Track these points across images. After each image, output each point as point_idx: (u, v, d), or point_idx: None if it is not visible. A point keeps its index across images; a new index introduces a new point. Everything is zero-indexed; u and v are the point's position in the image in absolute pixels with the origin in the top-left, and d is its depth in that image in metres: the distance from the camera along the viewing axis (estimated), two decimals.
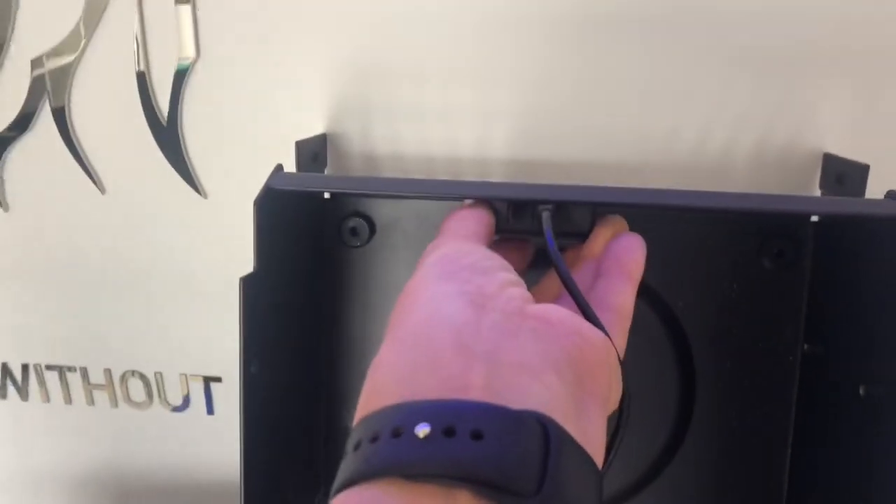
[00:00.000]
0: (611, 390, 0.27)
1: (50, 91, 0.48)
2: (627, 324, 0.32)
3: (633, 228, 0.37)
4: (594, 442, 0.24)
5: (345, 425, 0.47)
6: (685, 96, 0.44)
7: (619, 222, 0.35)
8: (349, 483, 0.22)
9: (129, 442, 0.56)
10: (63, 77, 0.48)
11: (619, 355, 0.29)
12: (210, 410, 0.54)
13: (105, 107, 0.48)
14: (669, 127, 0.44)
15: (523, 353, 0.24)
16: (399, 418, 0.22)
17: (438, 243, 0.31)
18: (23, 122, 0.49)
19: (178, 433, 0.55)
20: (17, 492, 0.59)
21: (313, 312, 0.46)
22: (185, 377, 0.54)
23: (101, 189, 0.50)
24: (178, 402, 0.54)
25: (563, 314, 0.26)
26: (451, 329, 0.25)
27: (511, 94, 0.45)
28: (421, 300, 0.27)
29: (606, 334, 0.28)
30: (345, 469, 0.22)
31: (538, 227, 0.35)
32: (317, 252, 0.45)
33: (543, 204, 0.34)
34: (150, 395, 0.55)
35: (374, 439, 0.22)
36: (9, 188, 0.51)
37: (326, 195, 0.45)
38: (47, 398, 0.56)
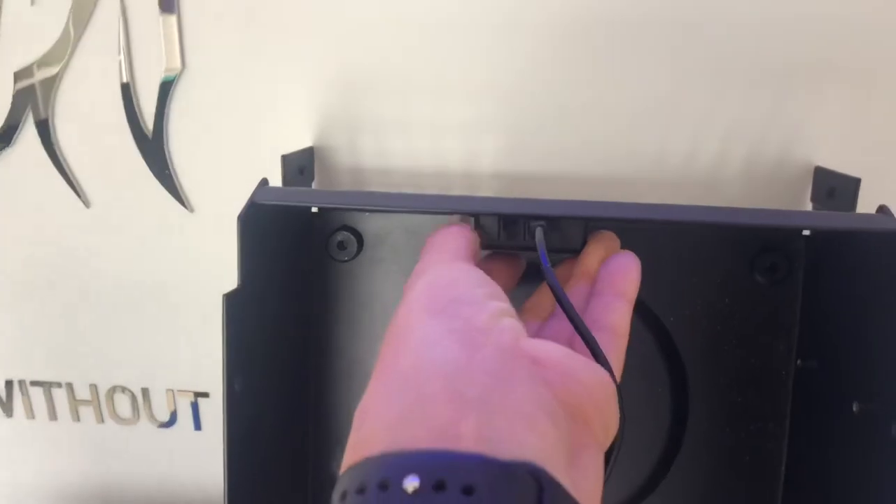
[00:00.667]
0: (607, 429, 0.26)
1: (33, 104, 0.47)
2: (624, 343, 0.31)
3: (625, 243, 0.37)
4: (589, 488, 0.24)
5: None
6: (675, 110, 0.43)
7: (611, 238, 0.35)
8: None
9: (115, 458, 0.55)
10: (47, 90, 0.47)
11: (616, 384, 0.28)
12: (197, 426, 0.54)
13: (89, 119, 0.48)
14: (660, 141, 0.44)
15: (517, 400, 0.23)
16: (387, 470, 0.21)
17: (424, 266, 0.31)
18: (6, 136, 0.48)
19: (165, 449, 0.54)
20: None
21: (300, 328, 0.45)
22: (173, 393, 0.53)
23: (86, 202, 0.49)
24: (165, 417, 0.54)
25: (557, 354, 0.26)
26: (441, 375, 0.24)
27: (499, 108, 0.44)
28: (409, 341, 0.26)
29: (601, 354, 0.28)
30: None
31: (529, 243, 0.34)
32: (304, 267, 0.45)
33: (535, 219, 0.34)
34: (136, 410, 0.54)
35: (361, 491, 0.21)
36: None
37: (314, 209, 0.45)
38: (32, 414, 0.55)
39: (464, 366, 0.24)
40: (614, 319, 0.31)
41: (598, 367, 0.27)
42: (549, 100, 0.44)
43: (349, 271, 0.45)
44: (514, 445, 0.22)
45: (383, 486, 0.21)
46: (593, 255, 0.34)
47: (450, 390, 0.23)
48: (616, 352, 0.30)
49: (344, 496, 0.22)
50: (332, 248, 0.45)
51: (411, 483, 0.20)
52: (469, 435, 0.22)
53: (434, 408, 0.23)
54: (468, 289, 0.28)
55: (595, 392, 0.25)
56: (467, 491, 0.20)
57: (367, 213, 0.44)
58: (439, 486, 0.20)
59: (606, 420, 0.26)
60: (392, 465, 0.21)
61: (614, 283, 0.32)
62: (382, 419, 0.23)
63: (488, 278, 0.29)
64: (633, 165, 0.45)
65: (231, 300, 0.33)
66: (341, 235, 0.45)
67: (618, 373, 0.30)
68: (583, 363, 0.26)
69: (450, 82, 0.44)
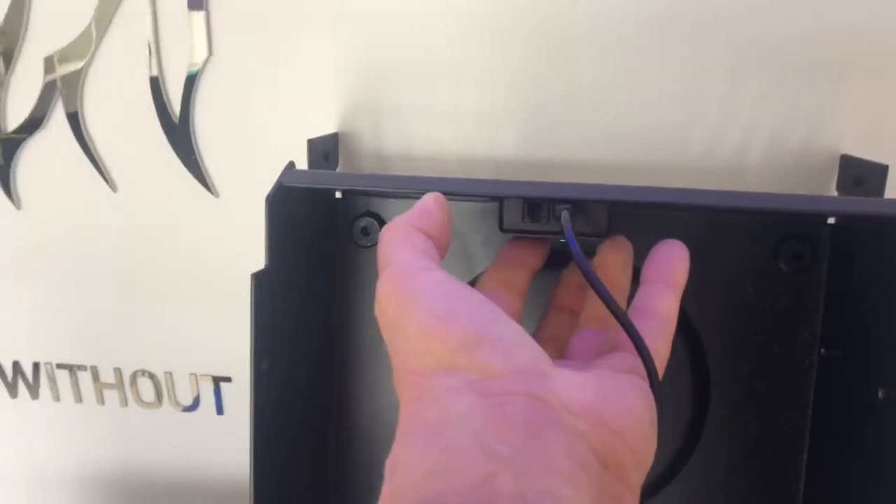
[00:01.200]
0: (641, 469, 0.25)
1: (63, 91, 0.48)
2: (671, 331, 0.30)
3: (647, 231, 0.36)
4: None
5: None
6: (697, 96, 0.43)
7: (624, 244, 0.35)
8: None
9: (138, 442, 0.56)
10: (76, 77, 0.48)
11: (657, 390, 0.27)
12: (220, 411, 0.54)
13: (117, 106, 0.48)
14: (681, 129, 0.44)
15: (550, 453, 0.22)
16: None
17: (405, 275, 0.27)
18: (35, 122, 0.49)
19: (187, 433, 0.55)
20: (26, 490, 0.59)
21: (324, 311, 0.45)
22: (196, 377, 0.54)
23: (113, 187, 0.50)
24: (188, 402, 0.54)
25: (588, 399, 0.25)
26: (468, 433, 0.23)
27: (521, 94, 0.44)
28: (428, 394, 0.25)
29: (639, 338, 0.27)
30: None
31: (554, 227, 0.34)
32: (328, 251, 0.45)
33: (560, 202, 0.34)
34: (159, 394, 0.54)
35: None
36: (21, 186, 0.51)
37: (338, 194, 0.45)
38: (58, 397, 0.56)
39: (491, 420, 0.23)
40: (660, 306, 0.30)
41: (633, 400, 0.26)
42: (570, 87, 0.44)
43: (372, 256, 0.45)
44: (550, 501, 0.21)
45: None
46: (613, 266, 0.34)
47: (481, 446, 0.22)
48: (663, 341, 0.30)
49: None
50: (355, 233, 0.45)
51: None
52: (505, 492, 0.21)
53: (466, 463, 0.22)
54: (472, 323, 0.25)
55: (629, 437, 0.25)
56: None
57: (391, 199, 0.45)
58: None
59: (641, 461, 0.25)
60: None
61: (661, 270, 0.31)
62: (413, 473, 0.23)
63: (481, 296, 0.27)
64: (655, 153, 0.44)
65: (259, 279, 0.34)
66: (364, 221, 0.45)
67: (662, 364, 0.30)
68: (615, 405, 0.25)
69: (471, 69, 0.44)
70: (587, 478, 0.23)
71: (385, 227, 0.30)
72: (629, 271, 0.35)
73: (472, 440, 0.22)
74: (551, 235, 0.35)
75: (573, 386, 0.25)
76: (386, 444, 0.47)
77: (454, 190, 0.37)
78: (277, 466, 0.38)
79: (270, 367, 0.36)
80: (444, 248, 0.30)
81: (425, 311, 0.26)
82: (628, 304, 0.32)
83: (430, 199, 0.31)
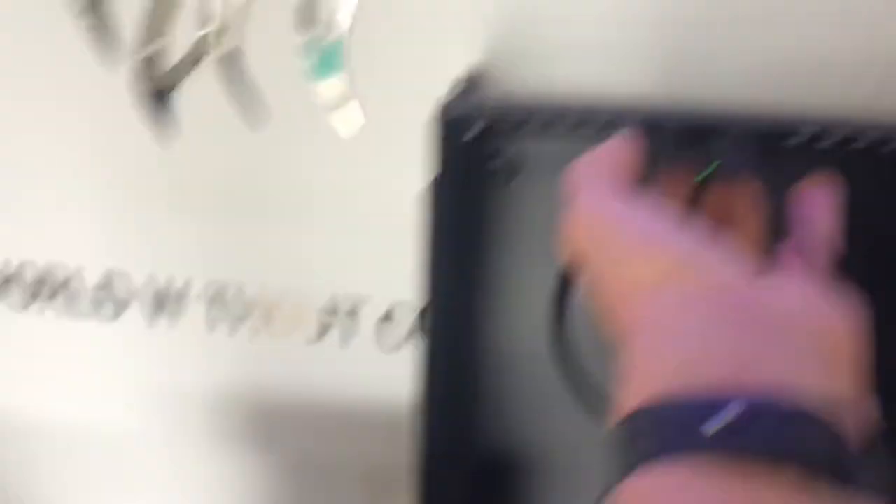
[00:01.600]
0: (860, 359, 0.26)
1: (221, 32, 0.51)
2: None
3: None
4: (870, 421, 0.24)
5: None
6: (872, 27, 0.40)
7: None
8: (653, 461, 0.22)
9: (269, 370, 0.59)
10: (235, 19, 0.50)
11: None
12: (346, 344, 0.56)
13: (270, 43, 0.51)
14: (849, 65, 0.41)
15: (787, 354, 0.24)
16: (700, 408, 0.22)
17: (595, 203, 0.30)
18: (194, 59, 0.52)
19: (315, 363, 0.57)
20: (166, 412, 0.62)
21: (465, 247, 0.46)
22: (328, 308, 0.56)
23: (267, 120, 0.52)
24: (319, 333, 0.57)
25: (799, 302, 0.25)
26: (700, 340, 0.24)
27: (666, 30, 0.44)
28: (641, 308, 0.26)
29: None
30: (643, 448, 0.23)
31: (705, 158, 0.35)
32: (474, 187, 0.46)
33: (717, 133, 0.34)
34: (293, 325, 0.57)
35: (680, 424, 0.22)
36: (178, 121, 0.54)
37: (475, 132, 0.46)
38: (198, 324, 0.59)
39: (719, 327, 0.24)
40: (820, 243, 0.31)
41: (834, 300, 0.26)
42: (714, 26, 0.43)
43: (515, 194, 0.46)
44: (800, 392, 0.22)
45: (701, 418, 0.21)
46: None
47: (716, 351, 0.23)
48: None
49: (649, 430, 0.23)
50: (493, 170, 0.46)
51: (732, 410, 0.21)
52: (755, 383, 0.22)
53: (708, 363, 0.23)
54: (677, 241, 0.27)
55: (844, 337, 0.25)
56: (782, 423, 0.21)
57: (528, 137, 0.45)
58: (755, 419, 0.21)
59: (856, 359, 0.26)
60: (704, 403, 0.22)
61: (817, 212, 0.32)
62: (659, 370, 0.24)
63: (676, 213, 0.28)
64: (817, 92, 0.42)
65: (435, 189, 0.35)
66: (501, 159, 0.46)
67: None
68: (824, 306, 0.26)
69: (616, 6, 0.45)
70: (823, 373, 0.24)
71: (574, 162, 0.32)
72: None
73: (705, 346, 0.24)
74: (704, 162, 0.35)
75: (783, 291, 0.26)
76: (524, 389, 0.46)
77: (613, 118, 0.37)
78: (438, 399, 0.40)
79: (437, 293, 0.37)
80: (632, 183, 0.32)
81: (626, 236, 0.27)
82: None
83: (618, 138, 0.33)
